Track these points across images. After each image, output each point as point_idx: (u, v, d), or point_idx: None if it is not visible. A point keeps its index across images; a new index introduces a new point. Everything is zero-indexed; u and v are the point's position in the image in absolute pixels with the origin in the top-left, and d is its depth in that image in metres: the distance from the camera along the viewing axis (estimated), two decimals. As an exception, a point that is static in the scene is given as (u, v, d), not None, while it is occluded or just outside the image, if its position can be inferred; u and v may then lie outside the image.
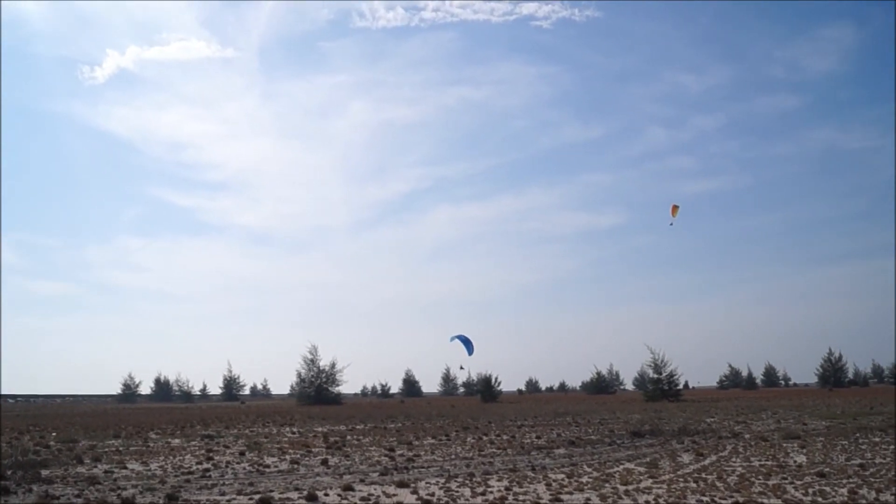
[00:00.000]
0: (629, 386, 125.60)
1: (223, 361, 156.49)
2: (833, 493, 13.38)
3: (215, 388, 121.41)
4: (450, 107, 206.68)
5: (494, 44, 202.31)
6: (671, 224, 38.89)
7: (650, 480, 15.36)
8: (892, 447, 20.53)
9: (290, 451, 22.40)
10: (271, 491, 14.36)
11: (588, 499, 13.18)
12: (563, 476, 16.11)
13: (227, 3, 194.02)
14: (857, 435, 24.55)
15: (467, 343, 44.26)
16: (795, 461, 18.11)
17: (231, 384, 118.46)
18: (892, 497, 12.78)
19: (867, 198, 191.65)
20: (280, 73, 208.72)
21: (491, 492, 14.06)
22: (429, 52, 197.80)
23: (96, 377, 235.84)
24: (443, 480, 15.77)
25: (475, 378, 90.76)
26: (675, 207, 38.79)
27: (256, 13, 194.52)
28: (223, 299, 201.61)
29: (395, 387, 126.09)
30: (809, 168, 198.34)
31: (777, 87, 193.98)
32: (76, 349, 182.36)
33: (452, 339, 44.68)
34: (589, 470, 17.21)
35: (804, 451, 20.34)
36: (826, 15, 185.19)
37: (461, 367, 57.27)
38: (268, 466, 18.55)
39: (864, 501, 12.53)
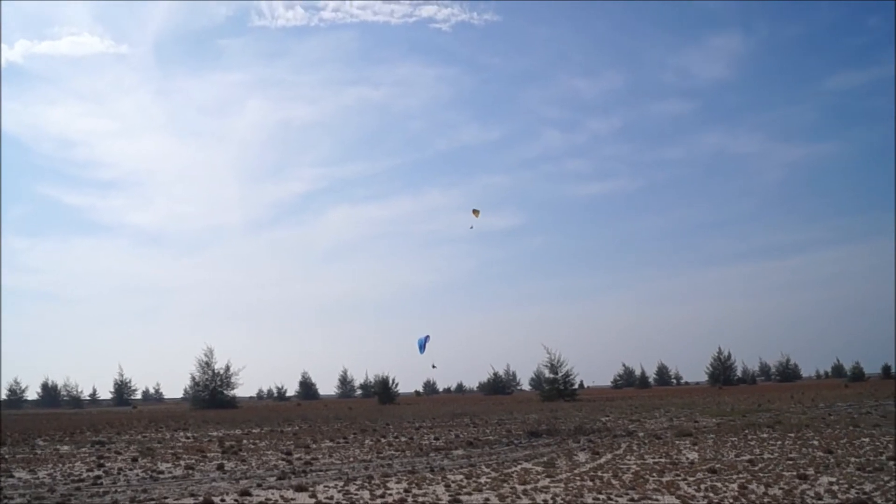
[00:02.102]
0: (526, 386, 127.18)
1: (114, 365, 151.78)
2: (724, 489, 13.80)
3: (106, 393, 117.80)
4: (348, 107, 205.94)
5: (394, 45, 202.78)
6: (471, 227, 39.75)
7: (548, 479, 15.54)
8: (780, 443, 21.32)
9: (185, 456, 21.81)
10: (166, 497, 13.94)
11: (487, 499, 13.24)
12: (461, 477, 16.15)
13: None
14: (746, 431, 25.40)
15: (423, 343, 44.18)
16: (688, 458, 18.62)
17: (122, 388, 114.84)
18: (780, 491, 13.25)
19: (753, 201, 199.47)
20: (176, 69, 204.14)
21: (390, 494, 13.98)
22: (328, 51, 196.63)
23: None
24: (341, 483, 15.61)
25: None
26: (476, 212, 39.79)
27: (152, 9, 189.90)
28: (114, 301, 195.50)
29: (292, 389, 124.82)
30: (699, 172, 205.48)
31: (668, 92, 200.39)
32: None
33: (422, 344, 44.47)
34: (487, 470, 17.30)
35: (696, 448, 20.93)
36: (715, 23, 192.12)
37: (433, 367, 57.36)
38: (161, 472, 18.02)
39: (753, 496, 12.94)
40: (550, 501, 12.90)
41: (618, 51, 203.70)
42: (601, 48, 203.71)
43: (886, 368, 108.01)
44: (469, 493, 13.90)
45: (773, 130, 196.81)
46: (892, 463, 16.24)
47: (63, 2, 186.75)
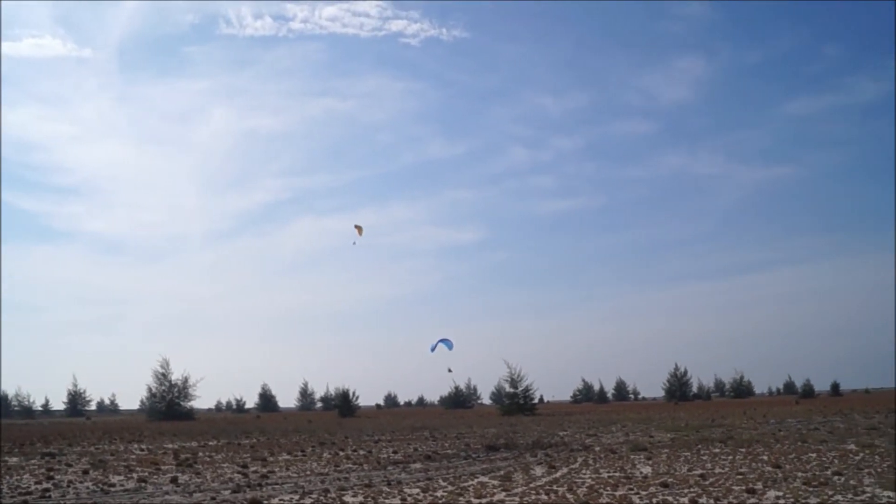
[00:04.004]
0: (487, 400, 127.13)
1: (68, 375, 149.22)
2: (675, 502, 14.07)
3: (59, 404, 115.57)
4: (315, 118, 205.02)
5: (362, 57, 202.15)
6: (354, 243, 40.13)
7: (503, 493, 15.70)
8: (731, 457, 21.68)
9: (138, 468, 21.63)
10: (117, 511, 13.88)
11: (441, 512, 13.36)
12: (418, 490, 16.26)
13: (86, 1, 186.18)
14: (699, 446, 25.75)
15: (446, 342, 44.21)
16: (641, 472, 18.86)
17: (76, 399, 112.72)
18: (726, 505, 13.56)
19: (712, 221, 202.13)
20: (139, 75, 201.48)
21: (345, 507, 14.05)
22: (295, 61, 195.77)
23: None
24: (297, 497, 15.64)
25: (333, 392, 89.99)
26: (359, 228, 40.22)
27: (116, 13, 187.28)
28: (70, 309, 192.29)
29: (251, 401, 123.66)
30: (659, 191, 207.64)
31: (632, 113, 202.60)
32: None
33: (434, 348, 44.49)
34: (444, 484, 17.42)
35: (650, 462, 21.20)
36: (679, 46, 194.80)
37: (449, 370, 57.45)
38: (113, 485, 17.87)
39: (700, 510, 13.22)
40: (503, 515, 13.06)
41: (583, 70, 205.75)
42: (567, 67, 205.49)
43: (835, 386, 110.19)
44: (423, 507, 14.01)
45: (732, 153, 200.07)
46: (836, 478, 16.63)
47: (25, 3, 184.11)
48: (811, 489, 15.17)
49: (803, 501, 13.84)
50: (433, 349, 44.36)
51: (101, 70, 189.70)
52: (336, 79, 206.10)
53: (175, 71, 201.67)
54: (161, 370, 78.25)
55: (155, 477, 19.61)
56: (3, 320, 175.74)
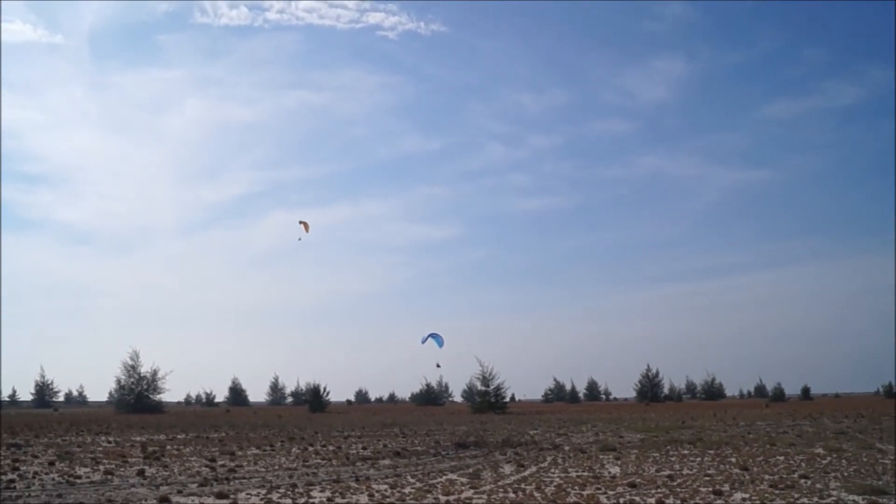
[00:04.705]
0: (458, 398, 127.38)
1: (36, 366, 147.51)
2: (642, 503, 14.13)
3: (26, 395, 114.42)
4: (289, 109, 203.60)
5: (338, 49, 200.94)
6: (300, 239, 40.05)
7: (471, 491, 15.69)
8: (699, 459, 21.82)
9: (105, 461, 21.43)
10: (81, 503, 13.71)
11: (409, 509, 13.33)
12: (386, 487, 16.21)
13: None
14: (668, 448, 25.90)
15: (436, 338, 44.09)
16: (610, 472, 18.93)
17: (43, 390, 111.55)
18: (693, 506, 13.64)
19: (686, 223, 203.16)
20: (111, 63, 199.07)
21: (313, 503, 13.98)
22: (270, 52, 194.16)
23: None
24: (264, 491, 15.54)
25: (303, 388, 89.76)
26: (305, 224, 40.20)
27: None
28: (38, 299, 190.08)
29: (221, 395, 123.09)
30: (636, 192, 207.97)
31: (610, 112, 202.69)
32: None
33: (424, 340, 44.32)
34: (412, 480, 17.38)
35: (619, 462, 21.29)
36: (659, 46, 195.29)
37: (437, 366, 57.31)
38: (79, 477, 17.69)
39: (667, 510, 13.28)
40: (471, 513, 13.04)
41: (562, 68, 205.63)
42: (546, 64, 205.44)
43: (806, 390, 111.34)
44: (392, 503, 13.96)
45: (709, 155, 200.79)
46: (803, 481, 16.76)
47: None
48: (777, 492, 15.28)
49: (769, 503, 13.92)
50: (424, 341, 44.33)
51: (72, 57, 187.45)
52: (311, 71, 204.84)
53: (148, 59, 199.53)
54: (130, 362, 77.69)
55: (122, 469, 19.43)
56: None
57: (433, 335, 44.52)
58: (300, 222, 38.78)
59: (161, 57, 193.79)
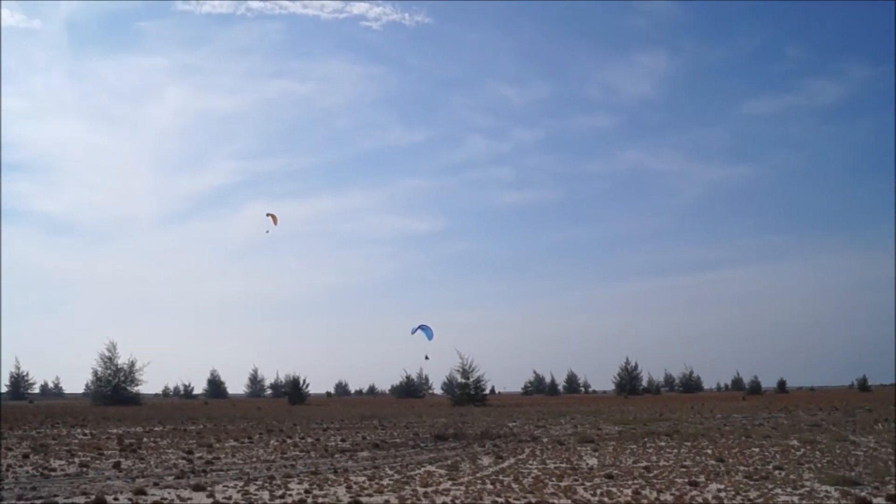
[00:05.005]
0: (438, 390, 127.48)
1: (11, 358, 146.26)
2: (619, 494, 14.20)
3: (1, 386, 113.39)
4: (271, 100, 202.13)
5: (322, 39, 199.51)
6: (267, 232, 39.91)
7: (450, 482, 15.73)
8: (676, 451, 21.96)
9: (80, 453, 21.29)
10: (55, 496, 13.64)
11: (387, 501, 13.35)
12: (364, 478, 16.22)
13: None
14: (646, 439, 26.04)
15: (426, 330, 44.09)
16: (587, 464, 19.03)
17: (19, 382, 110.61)
18: (672, 497, 13.73)
19: (667, 218, 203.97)
20: (90, 50, 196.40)
21: (290, 495, 13.96)
22: (252, 41, 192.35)
23: None
24: (241, 484, 15.50)
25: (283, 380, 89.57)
26: (273, 217, 40.11)
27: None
28: (16, 291, 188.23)
29: (200, 387, 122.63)
30: (618, 186, 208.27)
31: (594, 106, 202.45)
32: None
33: (414, 331, 44.31)
34: (391, 472, 17.40)
35: (596, 454, 21.38)
36: (643, 41, 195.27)
37: (426, 358, 57.59)
38: (53, 470, 17.57)
39: (645, 501, 13.37)
40: (450, 503, 13.06)
41: (547, 62, 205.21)
42: (530, 58, 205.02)
43: (782, 383, 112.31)
44: (370, 495, 13.99)
45: (691, 150, 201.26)
46: (777, 472, 16.93)
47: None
48: (752, 482, 15.43)
49: (744, 494, 14.05)
50: (413, 332, 44.41)
51: (50, 43, 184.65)
52: (294, 60, 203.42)
53: (128, 47, 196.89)
54: (108, 354, 77.26)
55: (97, 462, 19.33)
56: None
57: (423, 327, 44.59)
58: (268, 214, 38.52)
59: (141, 44, 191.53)
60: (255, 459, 20.36)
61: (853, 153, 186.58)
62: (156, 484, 15.44)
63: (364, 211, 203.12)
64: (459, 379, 76.26)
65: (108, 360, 77.10)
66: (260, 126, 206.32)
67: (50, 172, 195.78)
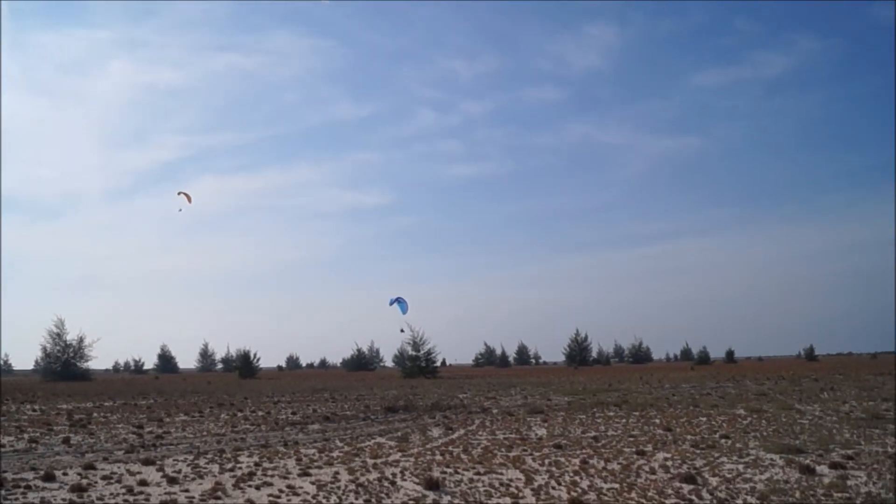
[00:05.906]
0: (389, 363, 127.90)
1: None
2: (566, 463, 14.41)
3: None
4: (218, 73, 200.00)
5: (269, 12, 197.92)
6: (180, 210, 39.57)
7: (399, 454, 15.83)
8: (624, 421, 22.33)
9: (30, 429, 21.01)
10: (4, 472, 13.44)
11: (336, 472, 13.38)
12: (314, 451, 16.26)
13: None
14: (595, 410, 26.41)
15: (401, 304, 43.89)
16: (537, 434, 19.27)
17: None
18: (619, 466, 13.98)
19: (616, 191, 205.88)
20: (32, 22, 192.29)
21: (240, 468, 13.94)
22: (198, 13, 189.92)
23: None
24: (191, 457, 15.44)
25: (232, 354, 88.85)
26: (187, 195, 39.86)
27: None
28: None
29: (150, 363, 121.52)
30: (567, 159, 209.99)
31: (543, 79, 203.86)
32: None
33: (392, 302, 44.05)
34: (341, 445, 17.46)
35: (545, 424, 21.65)
36: (593, 14, 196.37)
37: (402, 331, 57.29)
38: (3, 446, 17.33)
39: (593, 470, 13.60)
40: (399, 475, 13.16)
41: (496, 35, 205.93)
42: (479, 31, 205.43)
43: (730, 353, 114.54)
44: (319, 467, 14.02)
45: (640, 123, 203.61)
46: (724, 440, 17.32)
47: None
48: (699, 451, 15.77)
49: (690, 462, 14.36)
50: (391, 304, 44.38)
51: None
52: (241, 34, 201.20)
53: (71, 19, 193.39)
54: (56, 330, 76.13)
55: (46, 437, 19.11)
56: None
57: (398, 300, 44.59)
58: (180, 193, 37.69)
59: (85, 17, 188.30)
60: (205, 433, 20.27)
61: (802, 124, 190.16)
62: (105, 459, 15.31)
63: (312, 185, 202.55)
64: (410, 352, 76.66)
65: (57, 337, 76.04)
66: (207, 100, 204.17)
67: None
